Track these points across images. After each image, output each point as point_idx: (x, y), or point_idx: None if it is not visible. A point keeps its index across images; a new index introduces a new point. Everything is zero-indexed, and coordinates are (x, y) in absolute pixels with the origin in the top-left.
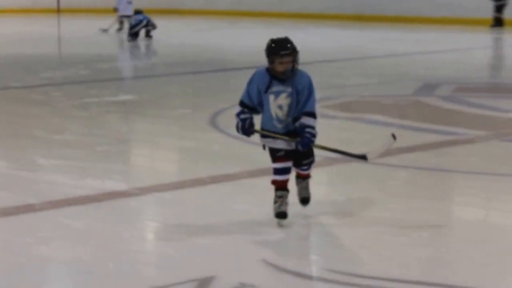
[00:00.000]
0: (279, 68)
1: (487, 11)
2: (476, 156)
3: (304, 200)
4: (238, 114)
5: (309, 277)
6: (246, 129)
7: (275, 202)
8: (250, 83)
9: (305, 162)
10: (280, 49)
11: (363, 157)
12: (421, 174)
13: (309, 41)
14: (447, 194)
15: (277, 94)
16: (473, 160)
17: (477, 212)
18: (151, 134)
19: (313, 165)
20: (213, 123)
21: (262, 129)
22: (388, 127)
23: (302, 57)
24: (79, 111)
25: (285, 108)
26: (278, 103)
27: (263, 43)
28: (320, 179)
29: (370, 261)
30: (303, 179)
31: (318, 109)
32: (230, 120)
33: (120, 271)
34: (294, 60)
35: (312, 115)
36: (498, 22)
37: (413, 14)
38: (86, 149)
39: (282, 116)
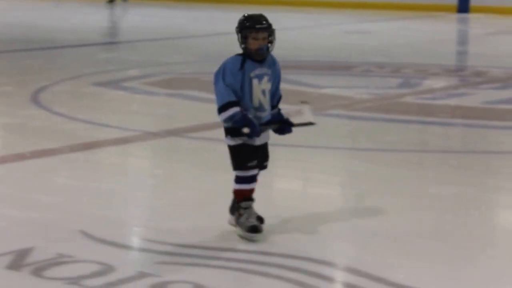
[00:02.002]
0: (253, 45)
1: None
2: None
3: (260, 219)
4: (232, 117)
5: (126, 247)
6: (258, 127)
7: (240, 215)
8: (223, 77)
9: (266, 163)
10: (255, 22)
11: (312, 124)
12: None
13: (132, 20)
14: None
15: (260, 78)
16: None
17: (295, 183)
18: None
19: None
20: (35, 100)
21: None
22: (208, 103)
23: (123, 36)
24: None
25: (267, 94)
26: (262, 88)
27: (89, 22)
28: (142, 153)
29: (188, 230)
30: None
31: (140, 86)
32: (52, 96)
33: None
34: (270, 38)
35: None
36: None
37: None
38: None
39: (265, 104)
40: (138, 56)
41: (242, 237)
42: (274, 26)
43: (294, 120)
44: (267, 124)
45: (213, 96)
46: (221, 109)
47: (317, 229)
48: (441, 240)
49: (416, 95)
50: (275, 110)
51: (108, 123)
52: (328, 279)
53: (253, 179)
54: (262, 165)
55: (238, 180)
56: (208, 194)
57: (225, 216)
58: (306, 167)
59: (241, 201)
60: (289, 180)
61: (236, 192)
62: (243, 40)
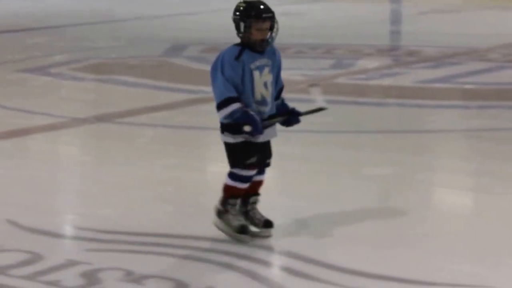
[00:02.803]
0: (257, 35)
1: None
2: None
3: (269, 223)
4: (232, 114)
5: (55, 235)
6: (260, 124)
7: (226, 211)
8: (222, 70)
9: (269, 160)
10: (260, 12)
11: (322, 109)
12: (168, 132)
13: (56, 3)
14: (196, 150)
15: (261, 70)
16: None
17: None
18: None
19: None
20: None
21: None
22: (137, 87)
23: (48, 21)
24: None
25: (270, 87)
26: (264, 80)
27: (13, 7)
28: (70, 140)
29: (118, 217)
30: (256, 194)
31: (67, 71)
32: None
33: None
34: (273, 28)
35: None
36: None
37: None
38: None
39: (268, 97)
40: (64, 41)
41: (231, 237)
42: (205, 8)
43: (302, 107)
44: (272, 118)
45: (142, 81)
46: (220, 106)
47: None
48: (375, 220)
49: (349, 76)
50: (279, 101)
51: (36, 110)
52: (265, 263)
53: (249, 179)
54: (265, 163)
55: (233, 176)
56: (138, 180)
57: (157, 201)
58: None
59: (229, 197)
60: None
61: (227, 188)
62: (246, 29)
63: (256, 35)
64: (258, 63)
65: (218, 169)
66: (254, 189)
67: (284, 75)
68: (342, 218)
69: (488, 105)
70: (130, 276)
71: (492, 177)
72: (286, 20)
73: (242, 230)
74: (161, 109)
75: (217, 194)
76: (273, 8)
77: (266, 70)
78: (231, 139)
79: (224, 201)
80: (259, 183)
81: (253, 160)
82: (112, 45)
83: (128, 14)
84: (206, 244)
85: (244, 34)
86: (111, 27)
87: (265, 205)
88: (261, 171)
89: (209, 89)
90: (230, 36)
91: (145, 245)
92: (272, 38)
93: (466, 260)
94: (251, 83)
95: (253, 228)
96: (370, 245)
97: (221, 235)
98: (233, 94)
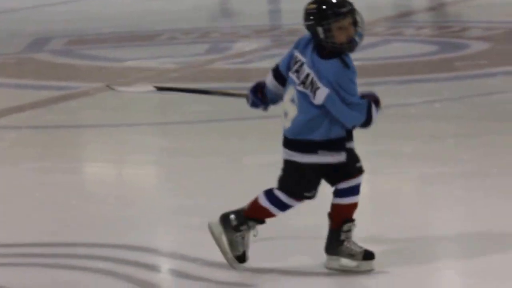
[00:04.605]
0: (341, 37)
1: None
2: (93, 109)
3: (370, 255)
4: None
5: None
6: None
7: (237, 229)
8: (351, 81)
9: (357, 166)
10: (337, 7)
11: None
12: (34, 133)
13: None
14: (67, 150)
15: None
16: (91, 112)
17: (109, 166)
18: None
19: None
20: None
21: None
22: None
23: None
24: None
25: None
26: None
27: None
28: None
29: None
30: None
31: None
32: None
33: None
34: (357, 22)
35: None
36: None
37: None
38: None
39: None
40: None
41: (222, 255)
42: None
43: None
44: None
45: (3, 80)
46: (368, 119)
47: (128, 212)
48: None
49: (226, 60)
50: None
51: None
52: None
53: (288, 208)
54: (352, 171)
55: (272, 200)
56: (8, 188)
57: (26, 210)
58: (118, 148)
59: (252, 219)
60: (104, 164)
61: (257, 208)
62: (326, 34)
63: (339, 37)
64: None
65: (104, 170)
66: (347, 215)
67: (155, 63)
68: (220, 210)
69: (376, 81)
70: None
71: (383, 156)
72: (156, 4)
73: (242, 259)
74: (26, 108)
75: (92, 197)
76: None
77: None
78: (310, 159)
79: (244, 220)
80: (353, 206)
81: (311, 194)
82: None
83: None
84: (82, 250)
85: (326, 40)
86: None
87: (143, 204)
88: (350, 192)
89: (77, 83)
90: (97, 26)
91: (17, 256)
92: (360, 34)
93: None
94: None
95: (347, 262)
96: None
97: (93, 238)
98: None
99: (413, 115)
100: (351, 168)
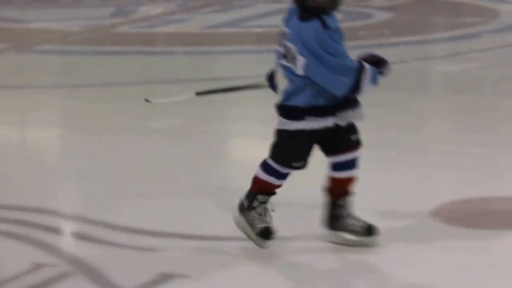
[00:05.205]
0: None
1: None
2: None
3: (372, 230)
4: (373, 77)
5: None
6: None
7: (253, 208)
8: (332, 41)
9: (354, 138)
10: None
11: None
12: None
13: None
14: None
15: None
16: None
17: (13, 128)
18: None
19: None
20: None
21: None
22: None
23: None
24: None
25: None
26: None
27: None
28: None
29: None
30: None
31: None
32: None
33: None
34: None
35: None
36: None
37: None
38: None
39: None
40: None
41: (250, 240)
42: None
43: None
44: None
45: None
46: (355, 87)
47: (32, 173)
48: (164, 175)
49: (131, 24)
50: None
51: None
52: (51, 229)
53: (286, 176)
54: (348, 144)
55: (268, 169)
56: None
57: None
58: (22, 110)
59: (259, 193)
60: (8, 126)
61: (257, 182)
62: None
63: None
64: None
65: (6, 132)
66: (345, 188)
67: (61, 26)
68: (127, 176)
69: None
70: None
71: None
72: None
73: (265, 234)
74: None
75: (13, 158)
76: None
77: None
78: (297, 125)
79: (252, 196)
80: (351, 180)
81: (300, 163)
82: None
83: None
84: None
85: None
86: None
87: (46, 166)
88: (348, 165)
89: None
90: None
91: None
92: None
93: None
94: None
95: (350, 236)
96: (158, 201)
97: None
98: (354, 61)
99: None
100: (345, 140)
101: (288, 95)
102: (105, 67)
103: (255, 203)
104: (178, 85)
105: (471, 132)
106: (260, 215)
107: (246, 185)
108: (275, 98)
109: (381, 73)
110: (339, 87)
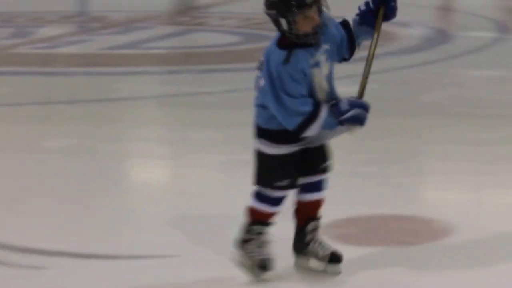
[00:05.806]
0: (306, 26)
1: None
2: None
3: (337, 258)
4: (329, 123)
5: None
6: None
7: (249, 240)
8: (283, 89)
9: (323, 165)
10: None
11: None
12: None
13: None
14: None
15: (319, 64)
16: None
17: None
18: None
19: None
20: None
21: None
22: None
23: None
24: None
25: (329, 75)
26: (324, 73)
27: None
28: None
29: None
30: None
31: None
32: None
33: None
34: (321, 9)
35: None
36: None
37: None
38: None
39: (327, 87)
40: None
41: (248, 272)
42: None
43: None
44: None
45: None
46: (304, 124)
47: None
48: (69, 192)
49: (31, 45)
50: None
51: None
52: None
53: (279, 201)
54: (315, 167)
55: (258, 197)
56: None
57: None
58: None
59: (255, 223)
60: None
61: (251, 212)
62: (290, 26)
63: (305, 26)
64: (314, 59)
65: None
66: (311, 212)
67: None
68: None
69: (179, 69)
70: None
71: (189, 145)
72: None
73: (263, 265)
74: None
75: None
76: None
77: (323, 58)
78: (269, 149)
79: (248, 228)
80: (317, 203)
81: (284, 183)
82: None
83: None
84: None
85: (290, 32)
86: None
87: None
88: (314, 187)
89: None
90: None
91: None
92: (324, 23)
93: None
94: (308, 84)
95: (315, 264)
96: (49, 219)
97: None
98: (309, 104)
99: (211, 103)
100: (313, 166)
101: (255, 110)
102: (2, 88)
103: (253, 235)
104: (73, 105)
105: (363, 152)
106: (258, 247)
107: (142, 205)
108: (174, 120)
109: (342, 122)
110: (286, 123)
